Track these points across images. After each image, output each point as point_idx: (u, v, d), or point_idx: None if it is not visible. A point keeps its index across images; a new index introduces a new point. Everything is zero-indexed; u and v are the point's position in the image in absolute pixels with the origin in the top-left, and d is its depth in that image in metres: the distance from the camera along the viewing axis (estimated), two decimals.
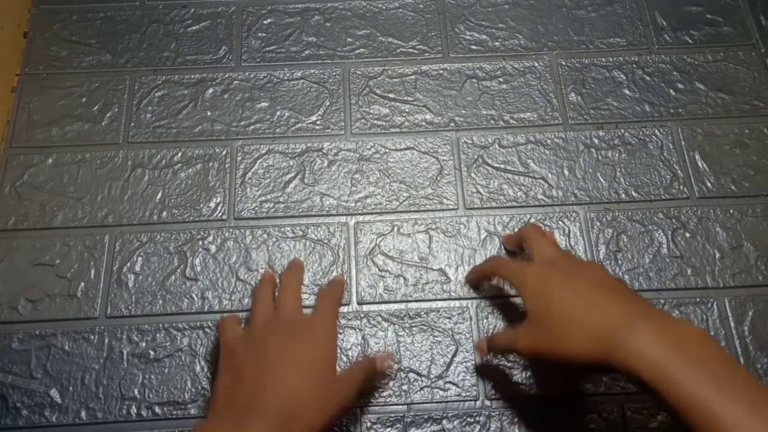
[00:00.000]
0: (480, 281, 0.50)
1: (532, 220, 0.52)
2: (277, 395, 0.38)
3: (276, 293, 0.47)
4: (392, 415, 0.46)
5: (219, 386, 0.40)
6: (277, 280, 0.48)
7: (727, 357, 0.33)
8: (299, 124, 0.56)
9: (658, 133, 0.56)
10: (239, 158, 0.55)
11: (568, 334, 0.37)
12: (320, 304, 0.46)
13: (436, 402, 0.46)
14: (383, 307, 0.50)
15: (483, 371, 0.47)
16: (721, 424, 0.30)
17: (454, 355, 0.48)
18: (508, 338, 0.42)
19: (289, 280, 0.47)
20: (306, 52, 0.59)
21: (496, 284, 0.50)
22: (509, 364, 0.47)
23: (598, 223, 0.52)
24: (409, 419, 0.46)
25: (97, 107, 0.57)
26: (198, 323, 0.49)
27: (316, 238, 0.52)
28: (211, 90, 0.58)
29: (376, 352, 0.47)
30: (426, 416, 0.46)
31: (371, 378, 0.45)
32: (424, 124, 0.56)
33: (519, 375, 0.47)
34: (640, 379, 0.33)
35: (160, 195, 0.53)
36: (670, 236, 0.52)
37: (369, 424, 0.46)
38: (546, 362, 0.43)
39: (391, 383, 0.47)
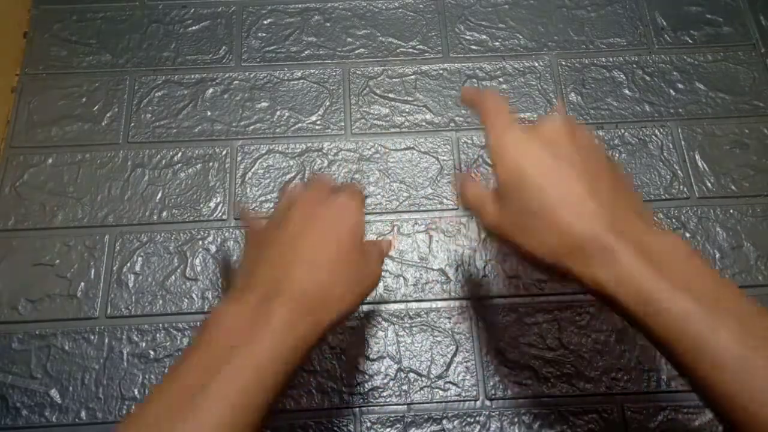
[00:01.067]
0: (468, 105, 0.41)
1: None
2: (301, 277, 0.34)
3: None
4: (392, 415, 0.46)
5: (240, 270, 0.37)
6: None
7: (705, 271, 0.30)
8: (299, 124, 0.56)
9: (658, 133, 0.56)
10: (239, 158, 0.55)
11: (540, 232, 0.32)
12: (345, 185, 0.40)
13: (436, 402, 0.46)
14: (383, 307, 0.50)
15: (483, 371, 0.47)
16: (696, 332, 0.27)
17: (454, 355, 0.48)
18: (478, 200, 0.36)
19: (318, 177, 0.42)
20: (306, 52, 0.59)
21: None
22: (509, 364, 0.47)
23: None
24: (409, 419, 0.46)
25: (97, 107, 0.57)
26: (198, 323, 0.49)
27: None
28: (211, 90, 0.58)
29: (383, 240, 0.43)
30: (426, 416, 0.46)
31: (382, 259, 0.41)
32: (424, 124, 0.56)
33: (519, 375, 0.47)
34: (618, 307, 0.30)
35: (160, 195, 0.53)
36: None
37: (369, 424, 0.46)
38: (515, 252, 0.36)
39: (391, 383, 0.47)
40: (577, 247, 0.31)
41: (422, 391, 0.47)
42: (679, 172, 0.54)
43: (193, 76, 0.58)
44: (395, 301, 0.50)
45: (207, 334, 0.32)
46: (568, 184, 0.33)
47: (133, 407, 0.29)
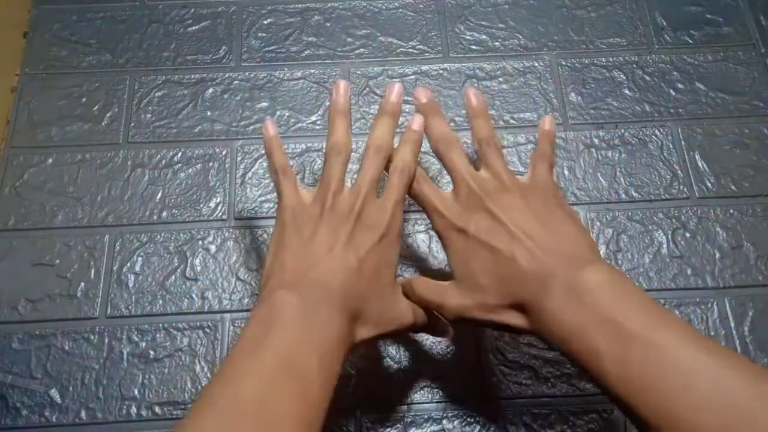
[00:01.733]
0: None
1: None
2: (345, 285, 0.34)
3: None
4: (392, 415, 0.46)
5: (286, 251, 0.36)
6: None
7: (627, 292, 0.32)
8: (299, 124, 0.56)
9: (658, 133, 0.56)
10: (239, 158, 0.55)
11: (490, 299, 0.35)
12: (387, 191, 0.39)
13: (436, 402, 0.46)
14: None
15: (481, 370, 0.47)
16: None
17: (454, 355, 0.48)
18: (435, 295, 0.38)
19: (373, 161, 0.40)
20: (306, 52, 0.59)
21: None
22: (509, 364, 0.47)
23: (598, 223, 0.52)
24: (409, 419, 0.46)
25: (97, 107, 0.57)
26: (198, 323, 0.49)
27: None
28: (211, 90, 0.58)
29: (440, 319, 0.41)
30: (426, 416, 0.46)
31: (423, 328, 0.40)
32: None
33: (519, 375, 0.47)
34: (552, 345, 0.33)
35: (160, 195, 0.53)
36: (670, 236, 0.52)
37: (369, 424, 0.46)
38: (473, 325, 0.38)
39: (391, 383, 0.47)
40: (519, 300, 0.34)
41: (422, 391, 0.47)
42: (679, 172, 0.54)
43: (193, 76, 0.58)
44: None
45: (278, 318, 0.32)
46: (499, 248, 0.35)
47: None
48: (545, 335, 0.33)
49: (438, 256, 0.51)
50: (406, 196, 0.40)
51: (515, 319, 0.35)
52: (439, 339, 0.48)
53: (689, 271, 0.51)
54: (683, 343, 0.29)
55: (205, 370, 0.47)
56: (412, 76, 0.58)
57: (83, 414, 0.46)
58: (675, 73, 0.58)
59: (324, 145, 0.56)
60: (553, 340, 0.33)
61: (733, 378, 0.27)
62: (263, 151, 0.55)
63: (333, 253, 0.35)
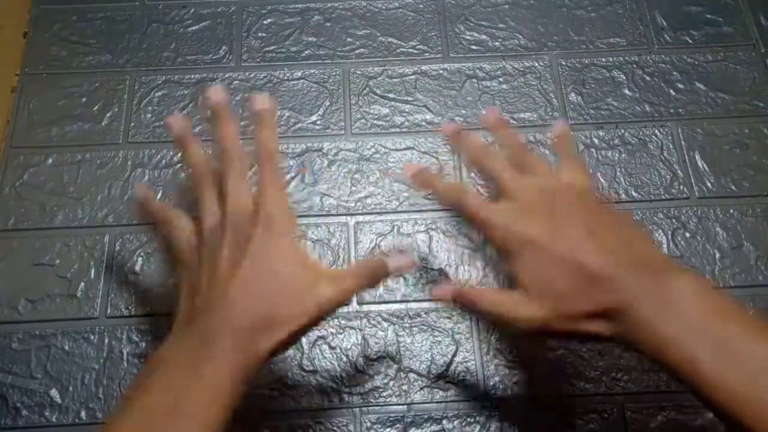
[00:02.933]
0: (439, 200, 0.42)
1: None
2: (239, 307, 0.33)
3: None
4: (392, 415, 0.46)
5: (178, 307, 0.36)
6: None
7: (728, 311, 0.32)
8: (299, 124, 0.56)
9: (658, 133, 0.56)
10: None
11: (571, 308, 0.34)
12: (262, 181, 0.38)
13: (436, 402, 0.46)
14: (383, 307, 0.50)
15: (483, 371, 0.47)
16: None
17: (454, 355, 0.48)
18: (505, 309, 0.36)
19: (231, 162, 0.38)
20: (306, 52, 0.59)
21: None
22: (509, 364, 0.47)
23: None
24: (409, 419, 0.46)
25: (97, 107, 0.57)
26: None
27: (316, 238, 0.52)
28: None
29: (391, 251, 0.40)
30: (426, 416, 0.46)
31: (376, 279, 0.38)
32: (424, 124, 0.56)
33: (519, 375, 0.47)
34: (642, 353, 0.32)
35: (160, 195, 0.53)
36: (670, 236, 0.52)
37: (369, 424, 0.46)
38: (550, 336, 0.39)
39: (391, 383, 0.47)
40: (605, 308, 0.33)
41: (422, 391, 0.47)
42: (679, 172, 0.54)
43: (193, 76, 0.58)
44: (395, 301, 0.50)
45: (163, 362, 0.33)
46: (573, 256, 0.34)
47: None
48: (635, 343, 0.32)
49: (438, 256, 0.51)
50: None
51: (599, 327, 0.33)
52: (438, 339, 0.48)
53: None
54: None
55: None
56: (412, 76, 0.58)
57: (83, 414, 0.46)
58: (675, 73, 0.58)
59: (324, 146, 0.56)
60: (645, 348, 0.32)
61: None
62: None
63: (216, 274, 0.34)
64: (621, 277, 0.33)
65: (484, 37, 0.60)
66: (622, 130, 0.56)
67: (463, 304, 0.38)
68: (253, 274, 0.34)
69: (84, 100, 0.57)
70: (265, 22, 0.61)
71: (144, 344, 0.48)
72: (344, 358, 0.48)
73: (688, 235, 0.52)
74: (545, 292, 0.35)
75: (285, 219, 0.36)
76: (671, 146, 0.55)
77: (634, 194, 0.53)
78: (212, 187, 0.38)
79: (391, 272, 0.38)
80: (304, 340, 0.48)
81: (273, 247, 0.35)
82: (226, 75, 0.58)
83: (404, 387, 0.47)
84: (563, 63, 0.59)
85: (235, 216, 0.36)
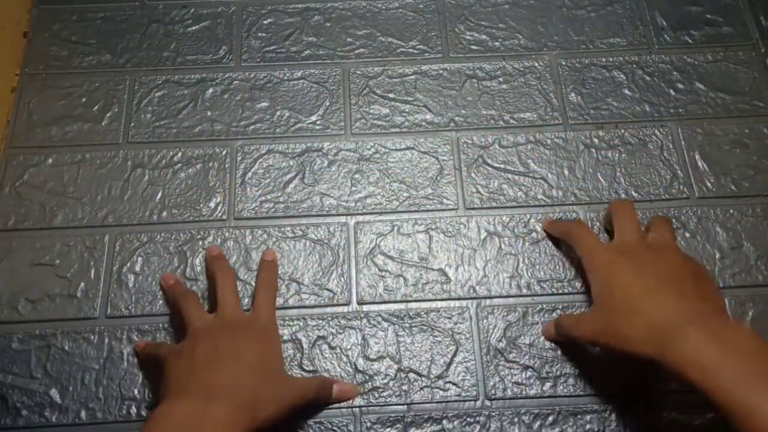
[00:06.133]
0: (555, 235, 0.51)
1: (532, 221, 0.52)
2: (236, 379, 0.39)
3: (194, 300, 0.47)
4: (392, 415, 0.46)
5: (172, 372, 0.40)
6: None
7: None
8: (299, 124, 0.56)
9: (658, 133, 0.56)
10: (239, 158, 0.55)
11: (626, 327, 0.39)
12: (257, 298, 0.47)
13: (436, 402, 0.46)
14: (383, 307, 0.50)
15: (483, 371, 0.47)
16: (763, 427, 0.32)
17: (454, 355, 0.48)
18: (570, 322, 0.45)
19: (223, 277, 0.47)
20: (306, 52, 0.59)
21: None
22: (509, 364, 0.47)
23: (599, 224, 0.52)
24: (409, 419, 0.46)
25: (97, 107, 0.57)
26: None
27: (316, 238, 0.52)
28: (211, 90, 0.58)
29: (341, 382, 0.47)
30: (426, 416, 0.46)
31: (321, 396, 0.45)
32: (424, 124, 0.56)
33: (519, 375, 0.47)
34: (688, 380, 0.35)
35: (160, 195, 0.53)
36: None
37: (369, 424, 0.46)
38: (606, 352, 0.45)
39: (391, 383, 0.47)
40: (657, 331, 0.37)
41: (422, 391, 0.47)
42: (679, 172, 0.54)
43: (193, 76, 0.58)
44: (395, 301, 0.50)
45: (162, 429, 0.37)
46: (648, 285, 0.40)
47: None
48: (679, 367, 0.36)
49: (438, 256, 0.51)
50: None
51: (648, 350, 0.38)
52: (438, 339, 0.48)
53: None
54: None
55: None
56: (412, 76, 0.58)
57: (83, 414, 0.46)
58: (675, 73, 0.58)
59: (324, 145, 0.56)
60: (688, 372, 0.35)
61: None
62: (263, 151, 0.55)
63: (217, 357, 0.40)
64: (683, 313, 0.38)
65: (484, 37, 0.60)
66: (622, 130, 0.56)
67: (558, 329, 0.47)
68: (252, 365, 0.41)
69: (84, 100, 0.57)
70: (265, 22, 0.61)
71: None
72: (344, 358, 0.48)
73: (688, 235, 0.52)
74: (606, 310, 0.41)
75: (274, 329, 0.46)
76: (671, 146, 0.55)
77: (634, 194, 0.53)
78: (196, 301, 0.47)
79: (333, 397, 0.45)
80: (304, 340, 0.48)
81: (269, 348, 0.44)
82: (226, 75, 0.58)
83: (404, 387, 0.47)
84: (563, 63, 0.59)
85: (228, 317, 0.44)
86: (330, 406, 0.46)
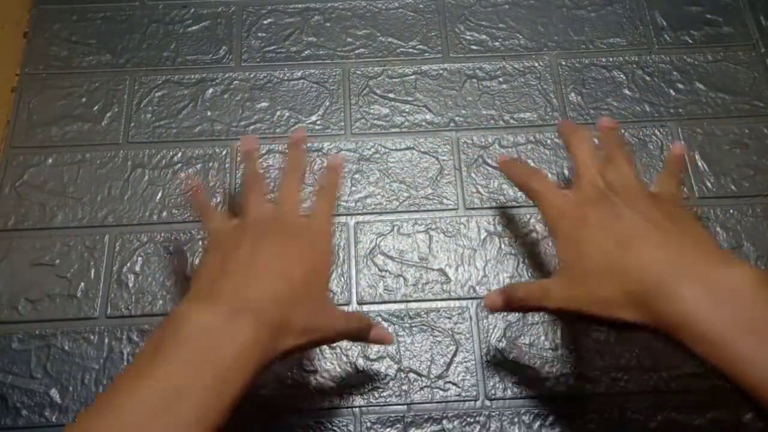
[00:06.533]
0: (511, 180, 0.45)
1: (532, 221, 0.52)
2: (271, 294, 0.34)
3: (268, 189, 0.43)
4: (392, 415, 0.46)
5: (203, 269, 0.36)
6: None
7: None
8: (299, 124, 0.56)
9: (658, 133, 0.56)
10: (239, 158, 0.55)
11: (601, 289, 0.33)
12: (318, 207, 0.41)
13: (436, 402, 0.46)
14: (383, 307, 0.50)
15: (483, 371, 0.47)
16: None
17: (454, 355, 0.48)
18: (536, 291, 0.37)
19: (291, 175, 0.42)
20: (306, 52, 0.59)
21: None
22: (509, 365, 0.47)
23: None
24: (409, 419, 0.46)
25: (97, 107, 0.57)
26: None
27: None
28: (211, 90, 0.58)
29: (379, 327, 0.43)
30: (426, 416, 0.46)
31: (358, 335, 0.41)
32: (424, 124, 0.56)
33: (519, 375, 0.47)
34: (685, 345, 0.30)
35: (160, 195, 0.53)
36: None
37: (369, 424, 0.46)
38: (579, 318, 0.37)
39: (391, 383, 0.47)
40: (639, 292, 0.31)
41: (422, 391, 0.47)
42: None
43: (193, 76, 0.58)
44: (395, 301, 0.50)
45: (175, 337, 0.31)
46: (620, 236, 0.34)
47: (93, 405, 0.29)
48: (673, 332, 0.30)
49: (438, 256, 0.51)
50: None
51: (631, 314, 0.32)
52: (438, 339, 0.48)
53: None
54: None
55: None
56: (412, 76, 0.58)
57: None
58: (675, 73, 0.58)
59: (324, 145, 0.56)
60: (684, 337, 0.30)
61: None
62: (263, 151, 0.55)
63: (257, 261, 0.35)
64: (666, 263, 0.31)
65: (484, 37, 0.60)
66: (622, 130, 0.56)
67: (506, 297, 0.39)
68: (294, 277, 0.35)
69: (84, 100, 0.57)
70: (265, 22, 0.61)
71: (144, 344, 0.48)
72: (344, 358, 0.48)
73: None
74: (578, 272, 0.35)
75: (328, 241, 0.40)
76: (671, 146, 0.55)
77: None
78: (263, 190, 0.41)
79: (369, 339, 0.41)
80: None
81: (317, 263, 0.37)
82: (226, 75, 0.58)
83: (404, 387, 0.47)
84: (563, 63, 0.59)
85: (285, 214, 0.39)
86: (331, 404, 0.46)
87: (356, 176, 0.54)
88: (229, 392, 0.30)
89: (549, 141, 0.55)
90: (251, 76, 0.58)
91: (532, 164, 0.54)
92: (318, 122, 0.56)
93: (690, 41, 0.60)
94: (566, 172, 0.54)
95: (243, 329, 0.31)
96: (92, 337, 0.48)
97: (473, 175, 0.54)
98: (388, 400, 0.46)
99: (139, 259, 0.51)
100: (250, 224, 0.38)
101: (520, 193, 0.53)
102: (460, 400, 0.46)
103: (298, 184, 0.42)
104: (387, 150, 0.55)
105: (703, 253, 0.32)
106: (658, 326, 0.31)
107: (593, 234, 0.35)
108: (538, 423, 0.46)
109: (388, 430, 0.46)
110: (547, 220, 0.39)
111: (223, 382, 0.30)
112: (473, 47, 0.60)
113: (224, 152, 0.55)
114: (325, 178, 0.44)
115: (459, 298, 0.50)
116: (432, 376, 0.47)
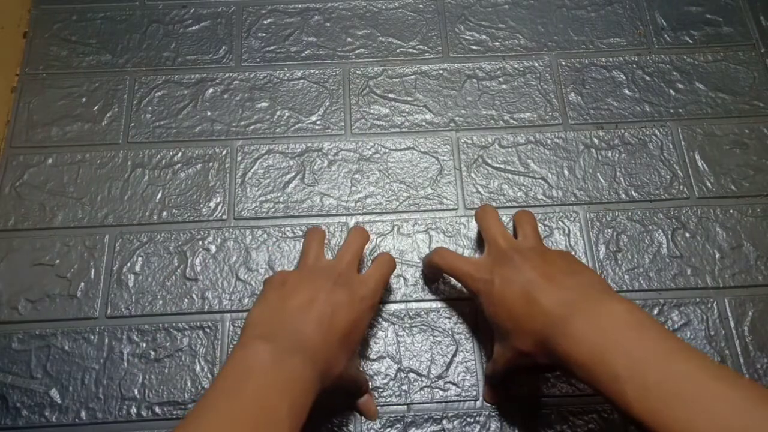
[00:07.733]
0: (435, 275, 0.50)
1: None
2: (322, 343, 0.38)
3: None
4: (392, 415, 0.46)
5: (265, 307, 0.40)
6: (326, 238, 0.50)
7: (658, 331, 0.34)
8: (299, 124, 0.56)
9: (658, 133, 0.56)
10: (239, 158, 0.55)
11: (523, 345, 0.38)
12: (372, 271, 0.44)
13: (436, 402, 0.46)
14: (383, 306, 0.50)
15: (483, 371, 0.47)
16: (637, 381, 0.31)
17: (454, 355, 0.48)
18: (490, 367, 0.44)
19: (355, 239, 0.46)
20: (306, 52, 0.59)
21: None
22: None
23: (598, 224, 0.52)
24: (409, 419, 0.46)
25: (97, 107, 0.57)
26: (198, 323, 0.49)
27: None
28: (211, 90, 0.58)
29: (371, 397, 0.47)
30: (426, 416, 0.46)
31: (357, 395, 0.46)
32: (424, 124, 0.56)
33: (519, 375, 0.47)
34: (575, 373, 0.34)
35: (160, 195, 0.53)
36: (670, 236, 0.52)
37: (369, 424, 0.46)
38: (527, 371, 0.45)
39: (391, 383, 0.47)
40: (545, 336, 0.36)
41: (422, 391, 0.47)
42: (679, 172, 0.54)
43: (193, 76, 0.58)
44: (395, 301, 0.50)
45: (242, 362, 0.35)
46: (525, 289, 0.39)
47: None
48: (567, 364, 0.34)
49: None
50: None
51: (543, 358, 0.37)
52: (438, 339, 0.48)
53: (689, 271, 0.51)
54: (701, 369, 0.31)
55: (205, 370, 0.47)
56: (412, 76, 0.58)
57: (83, 414, 0.46)
58: (675, 73, 0.58)
59: (324, 146, 0.56)
60: (574, 367, 0.34)
61: (750, 402, 0.29)
62: (263, 151, 0.55)
63: (312, 306, 0.39)
64: (557, 305, 0.36)
65: (484, 37, 0.60)
66: (622, 130, 0.56)
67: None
68: (338, 324, 0.39)
69: (84, 100, 0.57)
70: (265, 22, 0.61)
71: (144, 344, 0.48)
72: None
73: (687, 235, 0.52)
74: (500, 331, 0.41)
75: (373, 301, 0.43)
76: (671, 146, 0.55)
77: (634, 194, 0.53)
78: (321, 244, 0.47)
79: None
80: None
81: (360, 318, 0.41)
82: (226, 75, 0.58)
83: (404, 387, 0.47)
84: (563, 63, 0.59)
85: (342, 267, 0.43)
86: (328, 406, 0.46)
87: (356, 176, 0.54)
88: (301, 417, 0.35)
89: (549, 141, 0.55)
90: (251, 76, 0.58)
91: (532, 164, 0.54)
92: (318, 122, 0.56)
93: (690, 41, 0.60)
94: (566, 172, 0.54)
95: (300, 366, 0.36)
96: (92, 337, 0.48)
97: (473, 175, 0.54)
98: (388, 400, 0.46)
99: (139, 259, 0.51)
100: (308, 270, 0.43)
101: (520, 193, 0.53)
102: (460, 400, 0.46)
103: (358, 250, 0.45)
104: (387, 150, 0.55)
105: (589, 294, 0.37)
106: (555, 362, 0.36)
107: (500, 297, 0.40)
108: (537, 423, 0.46)
109: (388, 430, 0.46)
110: (471, 292, 0.43)
111: (296, 409, 0.34)
112: (473, 47, 0.60)
113: (224, 152, 0.55)
114: (384, 255, 0.47)
115: (459, 298, 0.50)
116: (432, 376, 0.47)
